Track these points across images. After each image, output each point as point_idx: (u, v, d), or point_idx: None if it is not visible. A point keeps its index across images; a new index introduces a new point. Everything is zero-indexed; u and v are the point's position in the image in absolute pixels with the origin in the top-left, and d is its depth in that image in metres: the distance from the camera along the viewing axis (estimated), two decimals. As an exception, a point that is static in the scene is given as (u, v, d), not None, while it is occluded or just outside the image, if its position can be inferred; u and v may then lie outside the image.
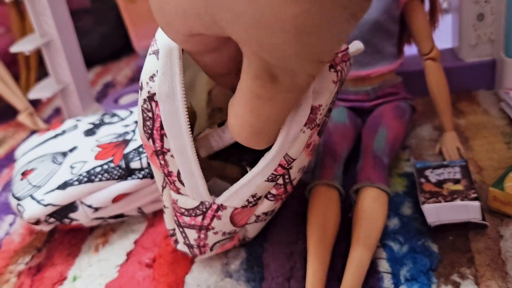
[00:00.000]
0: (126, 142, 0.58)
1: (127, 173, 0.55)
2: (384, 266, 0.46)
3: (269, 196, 0.41)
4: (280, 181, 0.40)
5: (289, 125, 0.34)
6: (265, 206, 0.42)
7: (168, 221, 0.47)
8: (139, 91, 0.38)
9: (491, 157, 0.56)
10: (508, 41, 0.63)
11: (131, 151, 0.56)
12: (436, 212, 0.47)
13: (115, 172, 0.55)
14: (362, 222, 0.46)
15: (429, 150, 0.60)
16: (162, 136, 0.38)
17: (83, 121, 0.65)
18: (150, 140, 0.39)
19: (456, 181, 0.49)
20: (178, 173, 0.39)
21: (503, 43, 0.64)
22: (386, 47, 0.59)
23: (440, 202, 0.47)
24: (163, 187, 0.44)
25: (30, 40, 0.80)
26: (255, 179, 0.38)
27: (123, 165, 0.55)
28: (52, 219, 0.54)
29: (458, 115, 0.65)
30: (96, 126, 0.64)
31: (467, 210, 0.46)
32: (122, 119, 0.65)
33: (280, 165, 0.37)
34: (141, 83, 0.37)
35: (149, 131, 0.38)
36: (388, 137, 0.55)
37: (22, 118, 0.88)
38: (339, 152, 0.55)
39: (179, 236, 0.47)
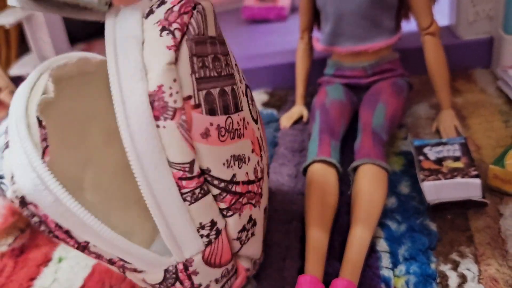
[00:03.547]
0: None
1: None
2: (382, 245, 0.45)
3: (224, 212, 0.33)
4: (215, 191, 0.32)
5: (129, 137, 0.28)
6: (233, 224, 0.34)
7: None
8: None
9: (489, 135, 0.55)
10: (508, 18, 0.62)
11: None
12: (435, 190, 0.46)
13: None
14: (362, 200, 0.45)
15: (426, 129, 0.58)
16: (69, 233, 0.31)
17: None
18: (62, 242, 0.32)
19: (456, 159, 0.48)
20: (118, 257, 0.33)
21: (502, 20, 0.63)
22: (384, 21, 0.57)
23: (440, 179, 0.46)
24: (124, 273, 0.37)
25: (10, 13, 0.76)
26: (171, 217, 0.31)
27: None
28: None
29: (454, 94, 0.63)
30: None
31: (467, 188, 0.45)
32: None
33: (179, 178, 0.30)
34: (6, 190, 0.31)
35: (52, 234, 0.32)
36: (387, 114, 0.53)
37: (3, 96, 0.85)
38: (337, 129, 0.53)
39: None
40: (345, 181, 0.52)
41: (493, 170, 0.47)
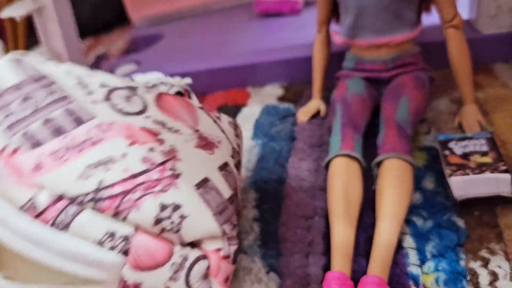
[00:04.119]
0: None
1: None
2: (408, 241, 0.44)
3: (117, 217, 0.34)
4: (86, 206, 0.33)
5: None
6: (140, 221, 0.34)
7: None
8: None
9: (514, 130, 0.54)
10: (531, 11, 0.60)
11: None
12: (464, 185, 0.44)
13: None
14: (388, 196, 0.43)
15: (448, 123, 0.57)
16: None
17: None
18: None
19: (484, 154, 0.47)
20: None
21: (524, 13, 0.61)
22: (406, 14, 0.56)
23: (468, 174, 0.45)
24: None
25: (21, 5, 0.75)
26: (66, 251, 0.32)
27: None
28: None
29: (476, 88, 0.62)
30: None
31: (497, 183, 0.44)
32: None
33: (35, 216, 0.32)
34: None
35: None
36: (411, 107, 0.52)
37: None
38: (359, 123, 0.52)
39: None
40: (368, 177, 0.50)
41: (522, 165, 0.46)
